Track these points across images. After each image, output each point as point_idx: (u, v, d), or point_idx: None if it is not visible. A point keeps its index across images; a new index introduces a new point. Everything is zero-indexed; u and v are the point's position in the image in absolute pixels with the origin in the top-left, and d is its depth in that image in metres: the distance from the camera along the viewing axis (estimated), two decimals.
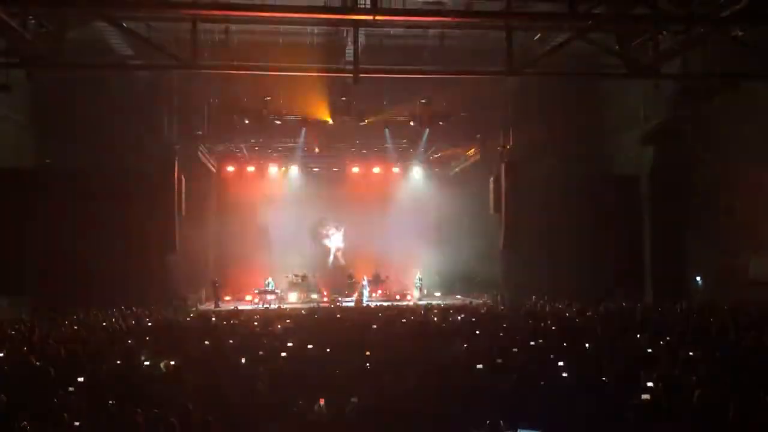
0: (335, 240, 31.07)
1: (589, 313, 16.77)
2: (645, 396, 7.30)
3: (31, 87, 21.44)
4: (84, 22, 18.57)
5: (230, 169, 29.39)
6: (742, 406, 6.40)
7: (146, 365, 9.77)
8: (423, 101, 25.21)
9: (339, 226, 31.01)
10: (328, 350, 10.78)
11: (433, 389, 7.80)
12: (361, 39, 18.50)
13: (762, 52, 16.28)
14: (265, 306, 24.44)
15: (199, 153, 24.80)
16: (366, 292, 27.33)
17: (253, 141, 26.84)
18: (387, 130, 25.96)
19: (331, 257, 30.90)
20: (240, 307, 22.27)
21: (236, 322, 16.01)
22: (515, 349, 10.36)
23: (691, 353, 9.74)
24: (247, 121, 24.58)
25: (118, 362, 9.96)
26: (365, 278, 28.23)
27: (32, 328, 14.82)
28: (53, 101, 24.99)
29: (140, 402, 7.20)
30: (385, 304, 22.79)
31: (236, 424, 6.95)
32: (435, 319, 16.17)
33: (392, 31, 22.49)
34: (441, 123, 25.40)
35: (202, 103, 25.36)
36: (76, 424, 6.72)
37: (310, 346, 11.07)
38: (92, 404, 7.35)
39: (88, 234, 22.08)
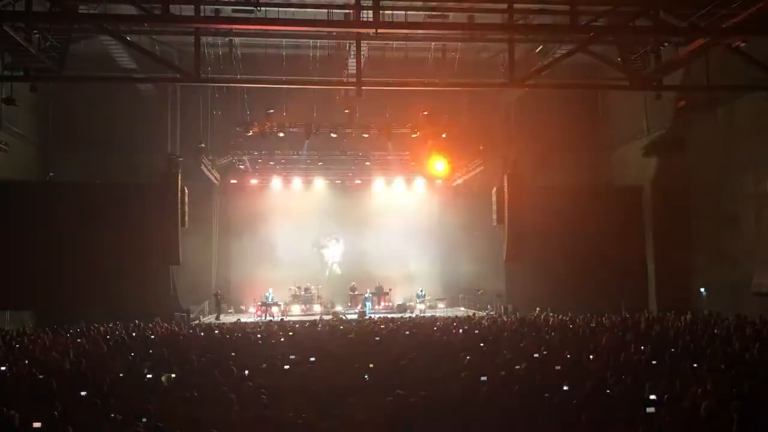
0: (334, 252, 31.01)
1: (592, 325, 16.71)
2: (650, 409, 7.25)
3: (35, 100, 21.61)
4: (87, 36, 18.73)
5: (233, 181, 29.41)
6: (746, 417, 6.36)
7: (148, 378, 9.74)
8: (425, 113, 25.29)
9: (338, 238, 30.93)
10: (330, 363, 10.74)
11: (436, 401, 7.77)
12: (364, 52, 18.62)
13: (763, 63, 16.33)
14: (268, 318, 24.42)
15: (202, 165, 24.85)
16: (369, 305, 27.28)
17: (255, 153, 26.93)
18: (390, 142, 26.00)
19: (328, 270, 30.82)
20: (242, 320, 22.24)
21: (239, 334, 15.98)
22: (518, 362, 10.31)
23: (695, 365, 9.71)
24: (249, 134, 24.69)
25: (121, 375, 9.94)
26: (368, 291, 28.18)
27: (35, 340, 14.82)
28: (57, 114, 25.18)
29: (143, 415, 7.18)
30: (388, 316, 22.70)
31: None
32: (438, 331, 16.11)
33: (395, 43, 22.64)
34: (443, 135, 25.47)
35: (205, 116, 25.49)
36: None
37: (312, 359, 11.04)
38: (94, 417, 7.33)
39: (90, 247, 22.10)
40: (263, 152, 26.93)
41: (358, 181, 30.51)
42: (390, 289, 28.95)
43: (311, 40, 23.14)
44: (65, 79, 18.79)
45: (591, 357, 10.89)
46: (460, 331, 16.20)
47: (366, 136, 25.46)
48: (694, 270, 22.84)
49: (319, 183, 30.42)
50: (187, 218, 23.11)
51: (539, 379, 8.89)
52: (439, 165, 27.17)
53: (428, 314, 24.31)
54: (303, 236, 30.10)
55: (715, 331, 14.04)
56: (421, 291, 28.11)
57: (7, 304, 21.90)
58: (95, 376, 9.66)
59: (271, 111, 24.06)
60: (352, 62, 20.59)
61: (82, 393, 8.47)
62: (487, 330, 16.08)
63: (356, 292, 28.44)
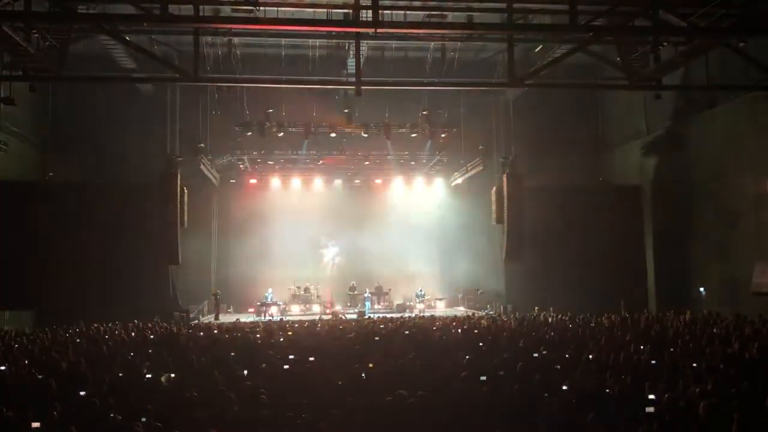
0: (333, 251, 31.00)
1: (592, 324, 16.71)
2: (649, 408, 7.26)
3: (34, 100, 21.60)
4: (87, 36, 18.72)
5: (232, 181, 29.40)
6: (746, 417, 6.36)
7: (148, 378, 9.74)
8: (425, 112, 25.30)
9: (338, 237, 30.88)
10: (329, 362, 10.74)
11: (435, 401, 7.77)
12: (363, 51, 18.63)
13: (762, 62, 16.34)
14: (267, 318, 24.42)
15: (201, 165, 24.84)
16: (368, 304, 27.27)
17: (255, 153, 26.93)
18: (389, 142, 25.99)
19: (328, 269, 30.82)
20: (242, 320, 22.23)
21: (238, 334, 15.97)
22: (518, 362, 10.30)
23: (694, 364, 9.71)
24: (249, 133, 24.68)
25: (120, 375, 9.94)
26: (367, 290, 28.17)
27: (34, 340, 14.81)
28: (56, 114, 25.17)
29: (142, 415, 7.17)
30: (388, 316, 22.70)
31: None
32: (437, 331, 16.10)
33: (394, 43, 22.66)
34: (443, 134, 25.48)
35: (204, 116, 25.50)
36: None
37: (311, 359, 11.04)
38: (94, 417, 7.33)
39: (90, 246, 22.11)
40: (262, 152, 26.94)
41: (357, 181, 30.50)
42: (390, 289, 28.96)
43: (310, 40, 23.16)
44: (64, 79, 18.79)
45: (590, 356, 10.89)
46: (459, 331, 16.19)
47: (365, 135, 25.46)
48: (694, 269, 22.86)
49: (319, 183, 30.39)
50: (186, 218, 23.10)
51: (538, 378, 8.88)
52: None
53: (427, 314, 24.29)
54: (302, 236, 30.05)
55: (715, 330, 14.04)
56: (421, 291, 28.11)
57: (6, 304, 21.91)
58: (94, 376, 9.65)
59: (271, 111, 24.07)
60: (351, 62, 20.62)
61: (81, 393, 8.46)
62: (486, 330, 16.07)
63: (355, 292, 28.45)
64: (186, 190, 23.18)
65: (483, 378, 8.98)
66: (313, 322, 19.01)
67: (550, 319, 19.07)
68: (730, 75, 19.05)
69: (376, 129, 25.07)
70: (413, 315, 24.24)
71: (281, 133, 24.73)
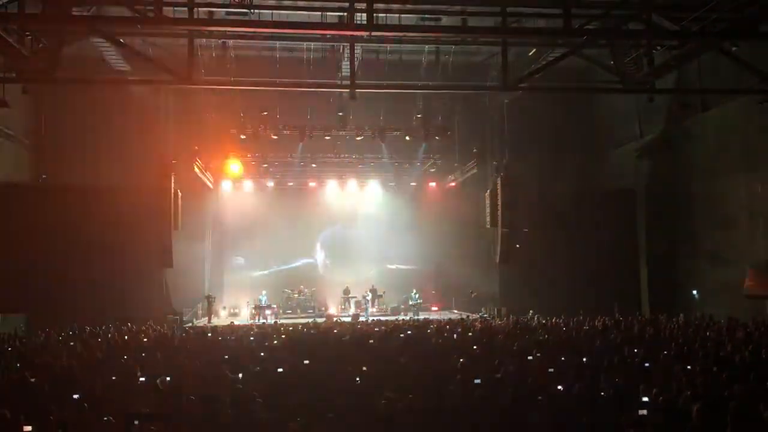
0: (328, 254, 30.99)
1: (586, 327, 16.75)
2: (642, 411, 7.28)
3: (27, 102, 21.52)
4: (81, 38, 18.65)
5: (226, 184, 29.35)
6: (738, 420, 6.38)
7: (141, 381, 9.72)
8: (419, 116, 25.33)
9: (332, 240, 30.85)
10: (324, 365, 10.73)
11: (430, 404, 7.77)
12: (357, 54, 18.63)
13: (754, 66, 16.42)
14: (262, 321, 24.38)
15: (196, 168, 24.79)
16: (365, 307, 27.25)
17: (249, 156, 26.89)
18: (383, 145, 26.00)
19: (322, 272, 30.80)
20: (236, 323, 22.18)
21: (232, 337, 15.94)
22: (512, 364, 10.32)
23: (688, 367, 9.74)
24: (243, 136, 24.63)
25: (114, 378, 9.91)
26: (362, 293, 28.14)
27: (27, 344, 14.75)
28: (50, 117, 25.07)
29: (136, 418, 7.15)
30: (382, 319, 22.70)
31: None
32: (431, 334, 16.10)
33: (388, 46, 22.65)
34: (437, 137, 25.50)
35: (198, 119, 25.44)
36: None
37: (306, 362, 11.03)
38: (87, 421, 7.31)
39: (83, 250, 22.03)
40: (257, 155, 26.91)
41: (352, 183, 30.49)
42: (384, 292, 28.94)
43: (305, 43, 23.13)
44: (58, 81, 18.68)
45: (584, 359, 10.91)
46: (454, 335, 16.19)
47: (360, 138, 25.46)
48: (687, 272, 22.92)
49: (313, 185, 30.36)
50: (180, 221, 23.05)
51: (532, 381, 8.90)
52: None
53: (422, 317, 24.30)
54: (297, 239, 30.04)
55: (708, 333, 14.09)
56: (415, 293, 28.10)
57: None
58: (88, 380, 9.62)
59: (265, 114, 24.05)
60: (345, 65, 20.59)
61: (75, 396, 8.43)
62: (480, 333, 16.08)
63: (350, 295, 28.43)
64: (180, 193, 23.12)
65: (477, 381, 9.00)
66: (307, 325, 18.99)
67: (544, 322, 19.09)
68: (723, 79, 19.13)
69: (370, 132, 25.08)
70: (407, 318, 24.25)
71: (276, 136, 24.70)
